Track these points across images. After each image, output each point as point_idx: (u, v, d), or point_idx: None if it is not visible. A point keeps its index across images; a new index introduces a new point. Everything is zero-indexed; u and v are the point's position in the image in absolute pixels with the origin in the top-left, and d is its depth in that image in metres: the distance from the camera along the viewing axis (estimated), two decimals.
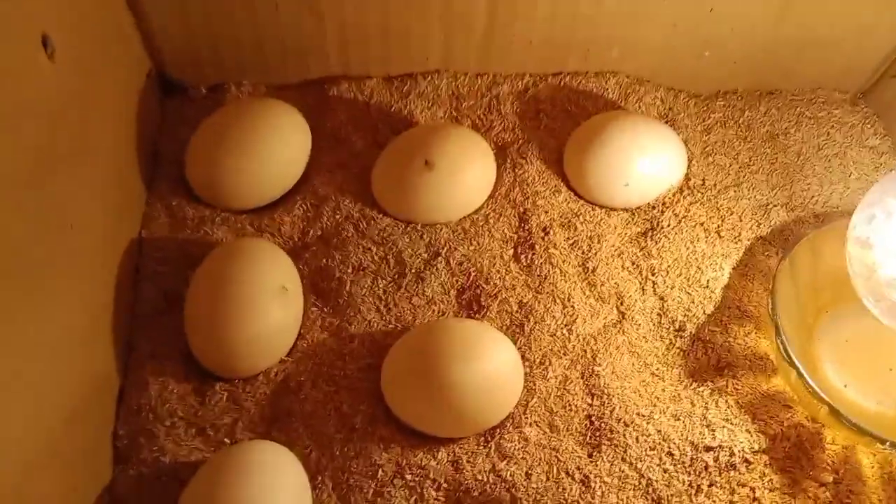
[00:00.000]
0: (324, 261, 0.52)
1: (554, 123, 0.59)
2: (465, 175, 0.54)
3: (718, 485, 0.46)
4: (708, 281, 0.53)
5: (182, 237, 0.53)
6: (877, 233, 0.42)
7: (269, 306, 0.47)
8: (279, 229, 0.54)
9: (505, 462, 0.46)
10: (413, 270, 0.52)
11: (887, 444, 0.43)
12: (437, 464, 0.46)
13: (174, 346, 0.49)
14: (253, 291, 0.47)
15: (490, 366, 0.46)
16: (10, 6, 0.39)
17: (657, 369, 0.50)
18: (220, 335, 0.47)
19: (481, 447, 0.47)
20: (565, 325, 0.51)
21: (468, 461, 0.46)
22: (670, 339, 0.51)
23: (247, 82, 0.60)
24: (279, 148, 0.54)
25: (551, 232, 0.54)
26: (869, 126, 0.61)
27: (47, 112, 0.42)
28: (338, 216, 0.54)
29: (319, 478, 0.45)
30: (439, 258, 0.52)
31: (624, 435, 0.47)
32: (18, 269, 0.38)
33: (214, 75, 0.60)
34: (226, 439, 0.47)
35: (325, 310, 0.51)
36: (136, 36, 0.56)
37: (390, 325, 0.50)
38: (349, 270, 0.52)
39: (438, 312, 0.51)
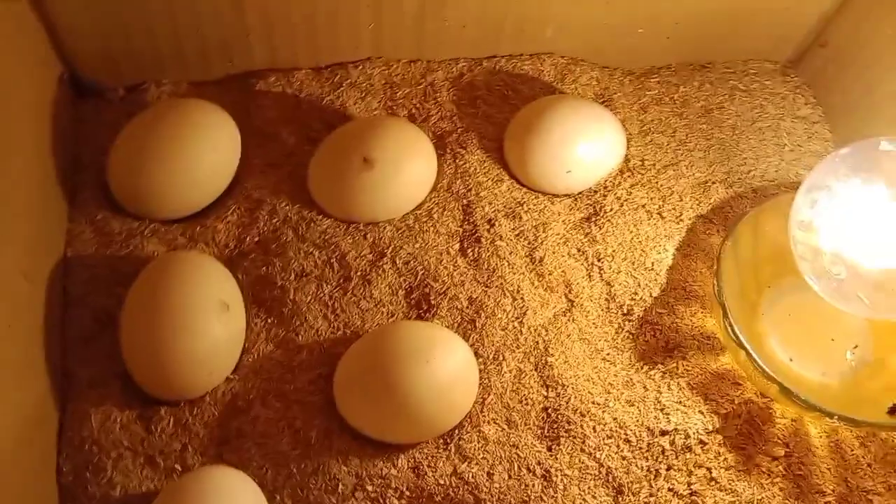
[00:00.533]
0: (264, 269, 0.50)
1: (492, 110, 0.58)
2: (406, 170, 0.52)
3: (676, 468, 0.47)
4: (653, 263, 0.53)
5: (110, 253, 0.50)
6: (820, 216, 0.42)
7: (209, 324, 0.46)
8: (213, 238, 0.52)
9: (466, 463, 0.46)
10: (359, 273, 0.51)
11: (835, 417, 0.44)
12: (398, 472, 0.45)
13: (112, 370, 0.47)
14: (191, 309, 0.45)
15: (444, 367, 0.46)
16: None
17: (608, 354, 0.51)
18: (161, 358, 0.45)
19: (441, 450, 0.46)
20: (516, 318, 0.51)
21: (429, 466, 0.46)
22: (619, 324, 0.52)
23: (167, 81, 0.56)
24: (207, 151, 0.52)
25: (496, 223, 0.53)
26: (800, 96, 0.62)
27: None
28: (275, 220, 0.52)
29: (278, 497, 0.44)
30: (385, 258, 0.51)
31: (581, 426, 0.47)
32: None
33: (132, 74, 0.56)
34: (177, 466, 0.45)
35: (270, 320, 0.49)
36: (43, 36, 0.52)
37: (339, 332, 0.49)
38: (291, 277, 0.50)
39: (388, 314, 0.50)
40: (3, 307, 0.42)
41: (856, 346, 0.49)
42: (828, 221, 0.42)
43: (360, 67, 0.58)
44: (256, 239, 0.52)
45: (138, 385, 0.46)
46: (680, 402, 0.49)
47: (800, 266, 0.45)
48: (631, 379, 0.50)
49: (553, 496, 0.46)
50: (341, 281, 0.50)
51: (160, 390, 0.46)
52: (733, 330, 0.46)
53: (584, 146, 0.54)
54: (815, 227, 0.42)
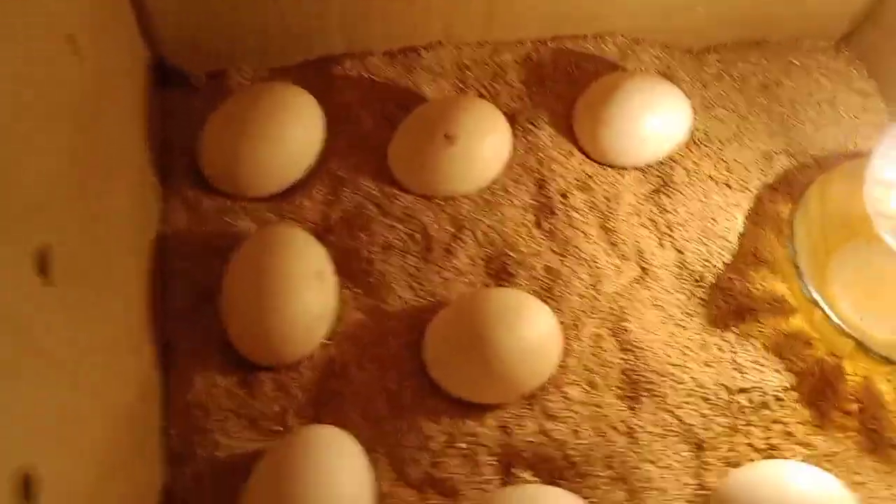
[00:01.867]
0: (350, 242, 0.53)
1: (559, 87, 0.60)
2: (483, 146, 0.54)
3: (754, 423, 0.49)
4: (723, 231, 0.55)
5: (204, 230, 0.53)
6: None
7: (306, 292, 0.48)
8: (300, 214, 0.54)
9: (551, 422, 0.48)
10: (440, 245, 0.53)
11: None
12: (488, 430, 0.47)
13: (212, 340, 0.49)
14: (290, 279, 0.48)
15: (530, 331, 0.48)
16: (37, 7, 0.38)
17: (681, 320, 0.52)
18: (261, 324, 0.47)
19: (527, 410, 0.48)
20: (592, 286, 0.53)
21: (517, 425, 0.48)
22: (691, 290, 0.53)
23: (247, 67, 0.59)
24: (295, 131, 0.54)
25: (570, 196, 0.55)
26: (854, 70, 0.64)
27: (75, 112, 0.41)
28: (358, 196, 0.55)
29: (374, 455, 0.46)
30: (465, 231, 0.53)
31: (660, 385, 0.49)
32: (72, 276, 0.38)
33: (213, 62, 0.59)
34: (278, 427, 0.47)
35: (358, 291, 0.51)
36: (134, 24, 0.54)
37: (424, 301, 0.51)
38: (377, 250, 0.52)
39: (469, 284, 0.52)
40: (119, 283, 0.45)
41: None
42: None
43: (432, 51, 0.60)
44: (341, 215, 0.54)
45: (239, 352, 0.48)
46: (755, 361, 0.50)
47: (877, 223, 0.46)
48: (706, 341, 0.51)
49: (637, 451, 0.47)
50: (424, 252, 0.53)
51: (260, 356, 0.48)
52: (807, 289, 0.48)
53: (651, 120, 0.56)
54: (895, 185, 0.44)
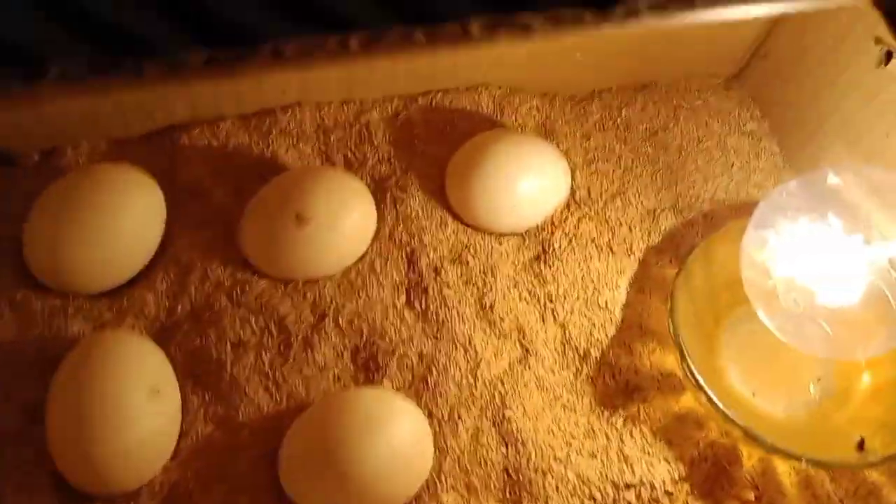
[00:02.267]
0: (198, 340, 0.47)
1: (431, 148, 0.55)
2: (344, 224, 0.49)
3: None
4: (606, 301, 0.51)
5: (33, 336, 0.47)
6: (771, 256, 0.41)
7: (140, 411, 0.43)
8: (142, 310, 0.48)
9: None
10: (300, 337, 0.48)
11: (803, 460, 0.43)
12: None
13: (42, 467, 0.43)
14: (119, 397, 0.42)
15: (396, 438, 0.43)
16: None
17: (568, 401, 0.49)
18: (90, 450, 0.42)
19: None
20: (470, 372, 0.48)
21: None
22: (577, 367, 0.50)
23: (84, 142, 0.53)
24: (128, 217, 0.48)
25: (443, 271, 0.51)
26: (745, 110, 0.61)
27: None
28: (207, 285, 0.49)
29: None
30: (327, 319, 0.49)
31: (543, 486, 0.45)
32: None
33: (45, 139, 0.52)
34: None
35: (207, 397, 0.46)
36: None
37: (283, 404, 0.46)
38: (228, 348, 0.47)
39: (334, 379, 0.47)
40: None
41: (819, 379, 0.48)
42: (780, 260, 0.40)
43: (290, 112, 0.55)
44: (188, 308, 0.49)
45: (68, 482, 0.43)
46: (643, 450, 0.47)
47: (755, 306, 0.43)
48: (592, 427, 0.48)
49: None
50: (281, 348, 0.48)
51: (92, 486, 0.43)
52: (692, 373, 0.45)
53: (527, 182, 0.52)
54: (768, 266, 0.41)
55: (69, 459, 0.42)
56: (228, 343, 0.47)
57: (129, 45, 0.16)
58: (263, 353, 0.47)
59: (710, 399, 0.44)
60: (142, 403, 0.43)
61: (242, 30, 0.16)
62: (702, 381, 0.44)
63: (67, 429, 0.42)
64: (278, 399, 0.46)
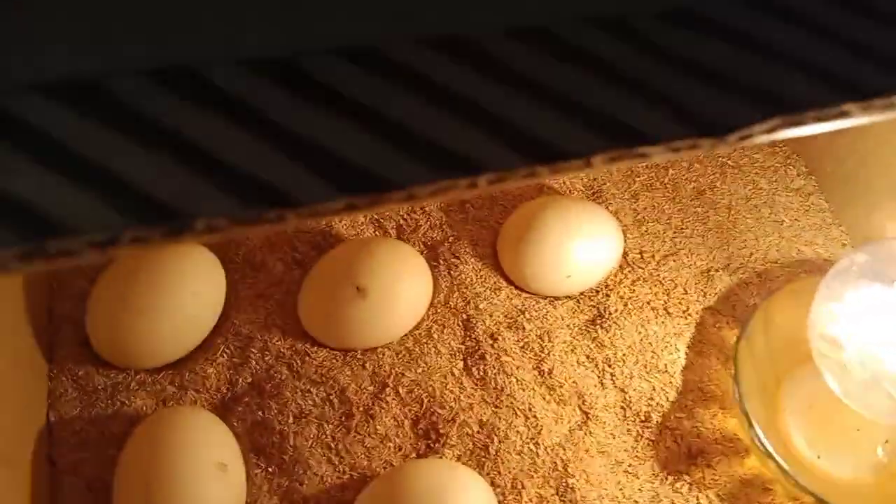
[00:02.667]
0: (259, 413, 0.48)
1: (482, 213, 0.56)
2: (401, 293, 0.50)
3: None
4: (665, 365, 0.51)
5: (96, 413, 0.47)
6: (843, 329, 0.40)
7: (209, 486, 0.43)
8: (204, 384, 0.49)
9: None
10: (361, 408, 0.48)
11: None
12: None
13: None
14: (188, 473, 0.42)
15: None
16: None
17: (630, 466, 0.48)
18: None
19: None
20: (531, 439, 0.48)
21: None
22: (638, 432, 0.49)
23: None
24: (188, 291, 0.49)
25: (499, 337, 0.51)
26: (791, 167, 0.61)
27: None
28: (267, 357, 0.50)
29: None
30: (387, 389, 0.49)
31: None
32: None
33: None
34: None
35: (270, 470, 0.46)
36: None
37: (346, 476, 0.46)
38: (290, 420, 0.47)
39: (395, 449, 0.47)
40: None
41: (886, 441, 0.47)
42: (850, 331, 0.40)
43: None
44: (249, 380, 0.49)
45: None
46: None
47: (825, 376, 0.43)
48: (657, 494, 0.47)
49: None
50: (343, 419, 0.48)
51: None
52: (760, 441, 0.44)
53: (580, 247, 0.52)
54: (840, 342, 0.41)
55: None
56: (290, 415, 0.47)
57: (268, 193, 0.17)
58: (325, 424, 0.47)
59: (778, 466, 0.44)
60: (209, 479, 0.43)
61: (378, 176, 0.17)
62: (770, 449, 0.44)
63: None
64: (341, 470, 0.46)
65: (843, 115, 0.20)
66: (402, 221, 0.56)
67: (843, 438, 0.48)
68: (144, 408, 0.48)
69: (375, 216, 0.55)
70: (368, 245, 0.51)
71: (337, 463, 0.47)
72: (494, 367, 0.50)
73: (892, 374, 0.40)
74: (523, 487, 0.47)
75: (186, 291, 0.49)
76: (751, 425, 0.45)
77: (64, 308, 0.51)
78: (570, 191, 0.58)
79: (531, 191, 0.57)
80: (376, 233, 0.55)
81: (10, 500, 0.42)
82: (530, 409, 0.49)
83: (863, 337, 0.39)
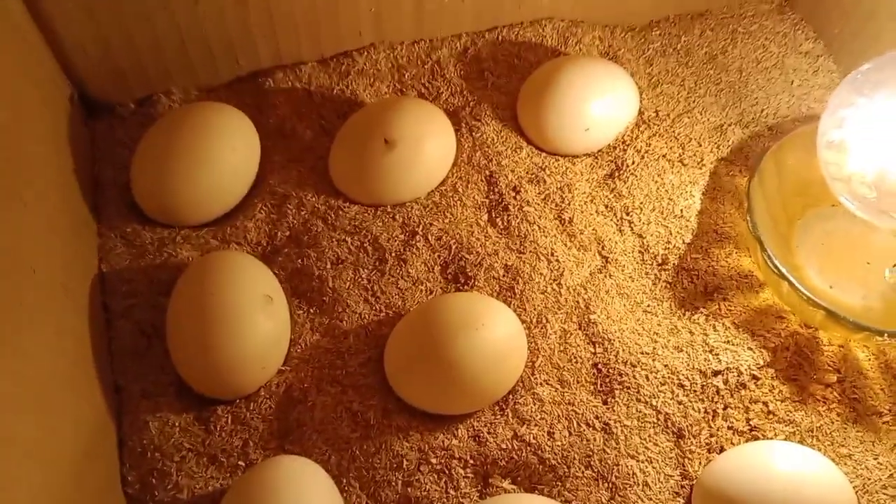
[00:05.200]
0: (299, 261, 0.51)
1: (500, 80, 0.58)
2: (426, 148, 0.52)
3: (732, 405, 0.47)
4: (682, 210, 0.53)
5: (145, 264, 0.50)
6: (850, 134, 0.42)
7: (255, 319, 0.46)
8: (245, 237, 0.52)
9: (525, 426, 0.46)
10: (393, 254, 0.51)
11: (885, 335, 0.45)
12: (460, 442, 0.46)
13: (163, 378, 0.47)
14: (236, 307, 0.45)
15: (493, 333, 0.46)
16: None
17: (649, 306, 0.51)
18: (212, 358, 0.45)
19: (499, 416, 0.46)
20: (554, 280, 0.51)
21: (489, 433, 0.46)
22: (656, 274, 0.52)
23: (176, 90, 0.57)
24: (228, 152, 0.52)
25: (521, 190, 0.53)
26: (800, 32, 0.62)
27: None
28: (303, 212, 0.52)
29: (344, 481, 0.44)
30: (417, 237, 0.51)
31: (633, 376, 0.48)
32: None
33: (139, 88, 0.56)
34: (240, 462, 0.45)
35: (312, 311, 0.49)
36: (51, 58, 0.52)
37: (382, 314, 0.49)
38: (328, 266, 0.50)
39: (427, 291, 0.50)
40: (50, 322, 0.42)
41: (894, 265, 0.49)
42: (859, 138, 0.42)
43: (365, 54, 0.58)
44: (287, 233, 0.52)
45: (192, 389, 0.46)
46: (727, 341, 0.49)
47: (833, 187, 0.45)
48: (675, 326, 0.50)
49: (615, 447, 0.46)
50: (377, 263, 0.51)
51: (215, 391, 0.46)
52: (773, 262, 0.47)
53: (598, 103, 0.55)
54: (847, 146, 0.43)
55: (192, 366, 0.46)
56: (328, 261, 0.50)
57: None
58: (361, 269, 0.50)
59: (792, 286, 0.46)
60: (257, 310, 0.46)
61: None
62: (784, 271, 0.46)
63: (189, 337, 0.45)
64: (378, 309, 0.49)
65: None
66: (423, 90, 0.58)
67: (853, 270, 0.50)
68: (190, 259, 0.50)
69: (397, 84, 0.58)
70: (395, 103, 0.54)
71: (373, 302, 0.50)
72: (518, 217, 0.53)
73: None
74: (547, 322, 0.49)
75: (225, 146, 0.51)
76: (763, 250, 0.47)
77: (108, 174, 0.54)
78: (585, 55, 0.59)
79: (548, 57, 0.59)
80: None
81: (74, 332, 0.45)
82: (552, 254, 0.52)
83: (873, 147, 0.41)
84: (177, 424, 0.45)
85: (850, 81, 0.43)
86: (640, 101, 0.57)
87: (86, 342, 0.46)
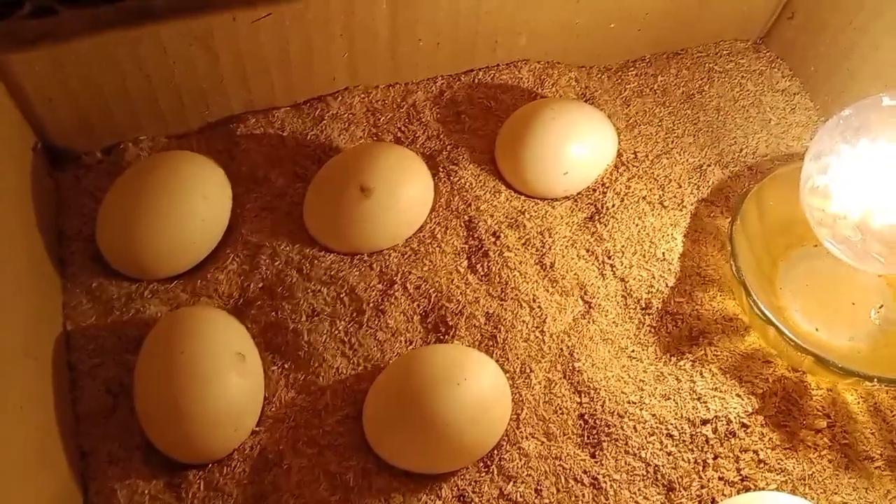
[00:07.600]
0: (273, 314, 0.49)
1: (477, 123, 0.57)
2: (404, 194, 0.51)
3: (723, 455, 0.46)
4: (663, 253, 0.53)
5: (111, 320, 0.48)
6: (834, 180, 0.42)
7: (227, 378, 0.44)
8: (216, 290, 0.50)
9: (511, 483, 0.45)
10: (371, 304, 0.49)
11: (874, 380, 0.44)
12: (444, 502, 0.44)
13: (131, 441, 0.45)
14: (207, 365, 0.43)
15: (476, 387, 0.44)
16: None
17: (633, 351, 0.50)
18: (182, 420, 0.43)
19: (484, 474, 0.45)
20: (536, 328, 0.50)
21: (474, 492, 0.44)
22: (640, 319, 0.51)
23: (144, 137, 0.55)
24: (199, 202, 0.50)
25: (501, 235, 0.52)
26: (776, 70, 0.62)
27: None
28: (277, 263, 0.51)
29: None
30: (395, 286, 0.50)
31: (621, 427, 0.46)
32: None
33: (106, 136, 0.54)
34: None
35: (287, 366, 0.48)
36: (13, 107, 0.50)
37: (360, 367, 0.48)
38: (303, 318, 0.49)
39: (406, 342, 0.49)
40: (12, 387, 0.40)
41: (881, 306, 0.49)
42: (843, 185, 0.42)
43: (340, 98, 0.57)
44: (261, 285, 0.50)
45: (162, 452, 0.44)
46: (715, 388, 0.48)
47: (818, 232, 0.44)
48: (661, 372, 0.49)
49: (605, 502, 0.44)
50: (354, 315, 0.49)
51: (185, 454, 0.44)
52: (758, 307, 0.46)
53: (576, 146, 0.54)
54: (831, 191, 0.42)
55: (160, 429, 0.43)
56: (303, 314, 0.49)
57: None
58: (337, 321, 0.49)
59: (778, 331, 0.45)
60: (228, 368, 0.44)
61: None
62: (770, 315, 0.45)
63: (157, 399, 0.43)
64: (356, 362, 0.48)
65: None
66: (399, 134, 0.57)
67: (838, 311, 0.50)
68: (158, 314, 0.49)
69: (373, 129, 0.57)
70: (371, 149, 0.52)
71: (351, 356, 0.48)
72: (498, 263, 0.51)
73: (883, 226, 0.42)
74: (531, 371, 0.48)
75: (196, 195, 0.49)
76: (748, 294, 0.46)
77: (73, 226, 0.52)
78: (562, 98, 0.59)
79: (524, 99, 0.58)
80: None
81: (38, 396, 0.43)
82: (534, 300, 0.50)
83: (858, 193, 0.41)
84: (146, 492, 0.43)
85: (832, 127, 0.43)
86: (619, 143, 0.57)
87: (49, 407, 0.44)
